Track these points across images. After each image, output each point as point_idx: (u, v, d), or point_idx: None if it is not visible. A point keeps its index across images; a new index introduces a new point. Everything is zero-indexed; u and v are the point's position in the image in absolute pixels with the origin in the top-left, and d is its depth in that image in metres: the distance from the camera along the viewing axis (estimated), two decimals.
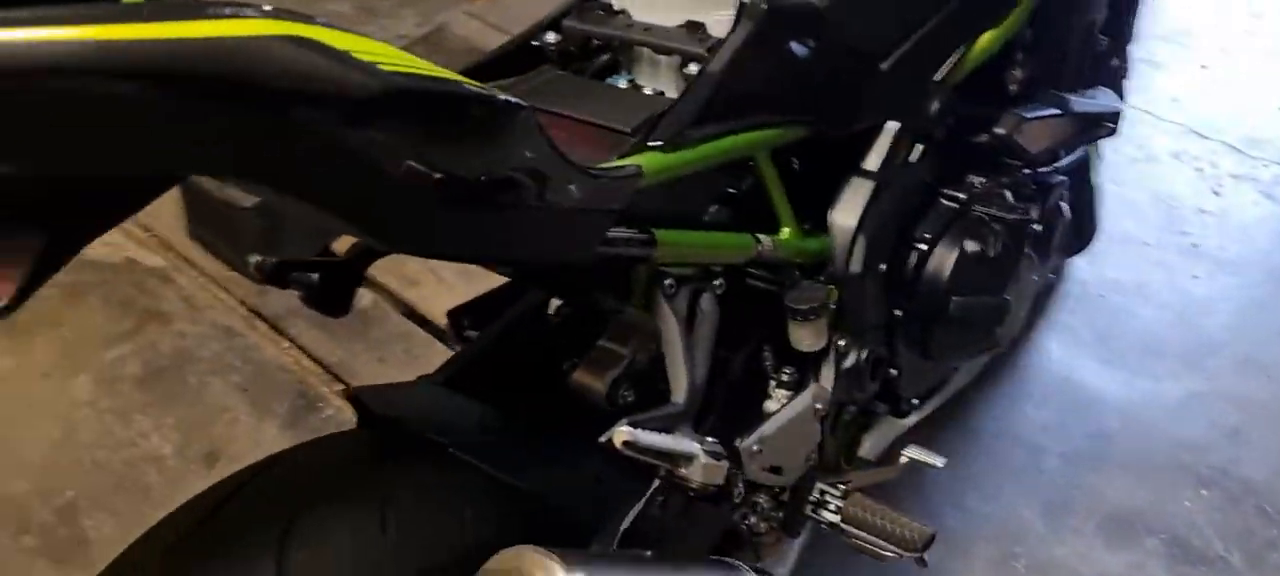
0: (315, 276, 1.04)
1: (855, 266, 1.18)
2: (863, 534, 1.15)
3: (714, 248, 1.05)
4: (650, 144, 0.95)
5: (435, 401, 1.11)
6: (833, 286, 1.18)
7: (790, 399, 1.16)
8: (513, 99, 0.74)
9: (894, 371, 1.32)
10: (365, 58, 0.63)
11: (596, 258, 0.90)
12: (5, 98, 0.52)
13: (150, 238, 2.09)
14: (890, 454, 1.34)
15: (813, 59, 1.09)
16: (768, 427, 1.13)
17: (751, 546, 1.22)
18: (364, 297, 1.90)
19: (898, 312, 1.28)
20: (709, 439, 0.96)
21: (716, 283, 1.07)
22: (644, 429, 0.89)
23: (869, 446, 1.37)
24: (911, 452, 1.29)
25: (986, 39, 1.24)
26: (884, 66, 1.17)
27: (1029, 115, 1.28)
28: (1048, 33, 1.36)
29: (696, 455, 0.94)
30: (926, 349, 1.31)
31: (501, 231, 0.78)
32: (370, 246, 1.05)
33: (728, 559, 1.01)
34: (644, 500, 0.96)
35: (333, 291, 1.06)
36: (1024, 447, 1.74)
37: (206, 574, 0.82)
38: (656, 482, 0.98)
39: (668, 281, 1.01)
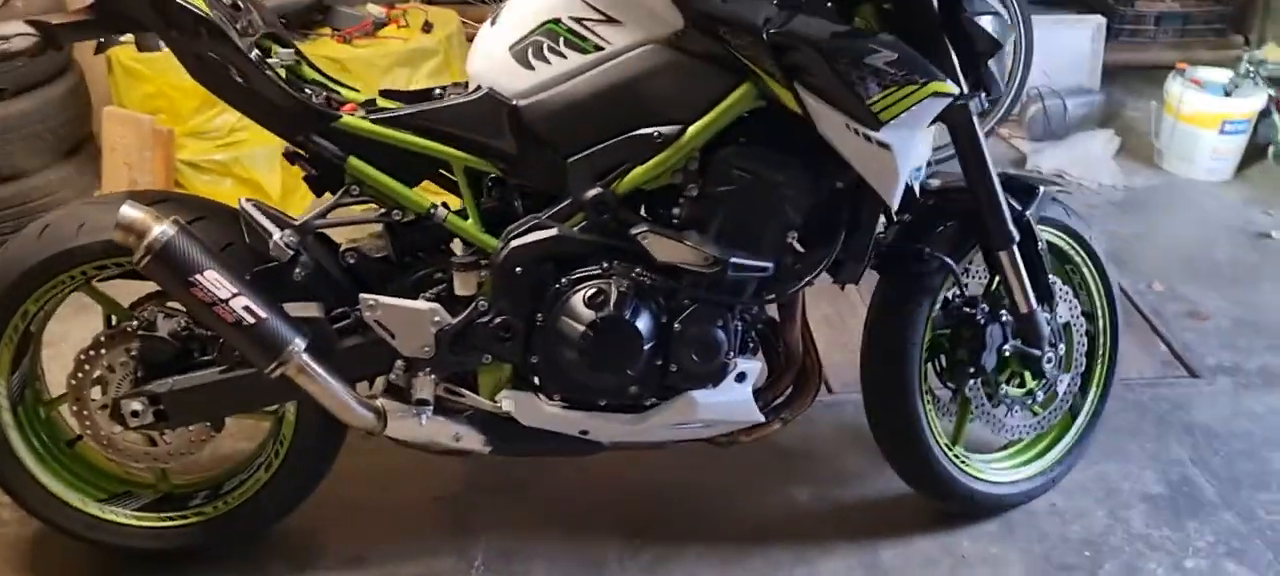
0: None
1: (494, 261, 1.93)
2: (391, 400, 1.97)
3: (394, 192, 1.87)
4: (369, 115, 1.86)
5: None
6: (484, 265, 1.96)
7: (422, 301, 1.94)
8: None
9: (534, 359, 2.03)
10: None
11: (304, 145, 1.83)
12: None
13: None
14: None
15: (507, 133, 1.92)
16: (387, 300, 1.91)
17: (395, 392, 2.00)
18: None
19: (540, 317, 2.00)
20: (296, 241, 1.80)
21: (396, 212, 1.92)
22: (263, 214, 1.79)
23: (508, 403, 2.06)
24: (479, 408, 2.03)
25: (634, 173, 1.90)
26: (564, 159, 1.93)
27: (636, 231, 1.90)
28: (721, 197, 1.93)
29: (272, 234, 1.77)
30: (548, 352, 2.00)
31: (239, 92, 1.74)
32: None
33: (302, 319, 1.85)
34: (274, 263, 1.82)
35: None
36: None
37: None
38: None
39: (355, 187, 1.88)
